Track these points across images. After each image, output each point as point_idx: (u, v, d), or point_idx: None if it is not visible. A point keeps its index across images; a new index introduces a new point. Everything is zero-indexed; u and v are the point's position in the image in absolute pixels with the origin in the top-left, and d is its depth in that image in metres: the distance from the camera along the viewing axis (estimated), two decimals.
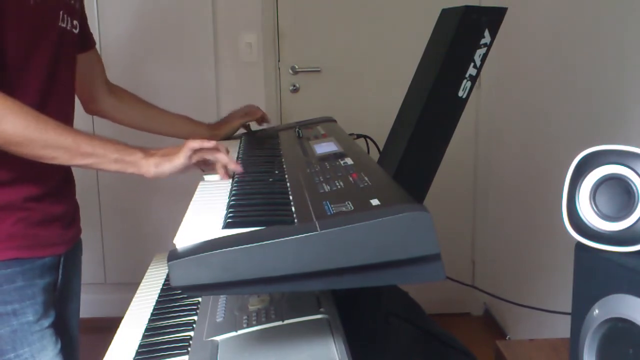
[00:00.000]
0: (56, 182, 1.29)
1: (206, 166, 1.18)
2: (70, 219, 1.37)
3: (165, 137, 1.61)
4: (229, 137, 1.63)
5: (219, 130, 1.62)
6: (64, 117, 1.29)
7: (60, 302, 1.34)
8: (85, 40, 1.43)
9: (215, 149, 1.15)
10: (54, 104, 1.24)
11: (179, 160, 1.12)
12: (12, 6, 1.13)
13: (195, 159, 1.14)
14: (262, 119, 1.67)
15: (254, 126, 1.69)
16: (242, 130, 1.69)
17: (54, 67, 1.24)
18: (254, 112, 1.66)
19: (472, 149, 3.07)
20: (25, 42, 1.17)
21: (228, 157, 1.17)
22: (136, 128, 1.60)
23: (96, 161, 1.12)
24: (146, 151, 1.14)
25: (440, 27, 1.36)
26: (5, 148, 1.08)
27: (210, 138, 1.60)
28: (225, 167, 1.16)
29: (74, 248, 1.39)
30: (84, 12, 1.41)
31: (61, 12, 1.25)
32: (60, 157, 1.11)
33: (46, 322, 1.25)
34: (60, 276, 1.32)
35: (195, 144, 1.13)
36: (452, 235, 3.05)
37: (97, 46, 1.54)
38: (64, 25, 1.26)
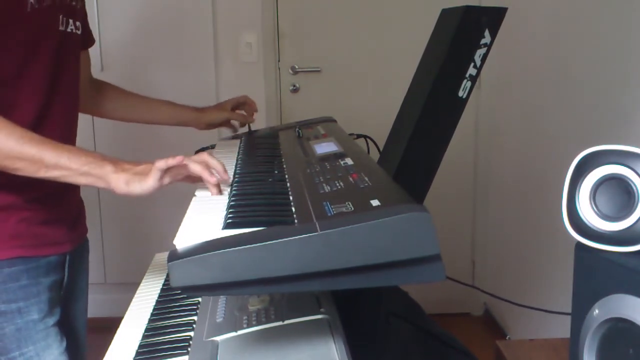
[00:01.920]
0: (61, 183, 1.29)
1: (192, 181, 1.08)
2: (75, 218, 1.37)
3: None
4: (214, 126, 1.63)
5: (203, 115, 1.61)
6: (68, 122, 1.30)
7: (66, 301, 1.34)
8: (85, 39, 1.43)
9: (185, 165, 1.03)
10: (57, 107, 1.24)
11: (148, 183, 1.02)
12: (8, 15, 1.12)
13: (167, 179, 1.03)
14: (246, 121, 1.66)
15: (253, 125, 1.69)
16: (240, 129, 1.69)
17: (56, 72, 1.24)
18: (246, 109, 1.65)
19: (472, 149, 3.07)
20: (22, 51, 1.16)
21: (207, 168, 1.04)
22: (121, 120, 1.59)
23: (62, 174, 1.05)
24: (118, 165, 1.05)
25: (440, 27, 1.36)
26: None
27: (194, 122, 1.62)
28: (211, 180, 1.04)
29: (80, 247, 1.40)
30: (85, 10, 1.41)
31: (61, 16, 1.24)
32: (23, 169, 1.05)
33: (51, 321, 1.26)
34: (66, 275, 1.33)
35: (161, 163, 1.02)
36: (452, 235, 3.05)
37: (97, 46, 1.54)
38: (63, 29, 1.26)
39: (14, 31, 1.14)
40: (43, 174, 1.05)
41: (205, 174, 1.03)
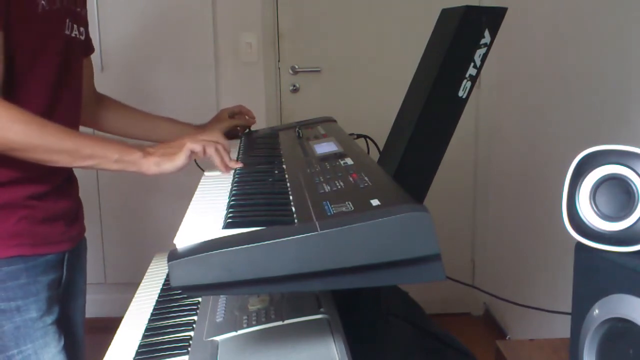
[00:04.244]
0: (59, 180, 1.30)
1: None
2: (74, 217, 1.38)
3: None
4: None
5: (206, 131, 1.61)
6: (71, 125, 1.30)
7: (64, 300, 1.35)
8: (87, 46, 1.44)
9: (216, 143, 1.19)
10: (61, 110, 1.26)
11: (180, 160, 1.15)
12: (20, 14, 1.15)
13: (195, 156, 1.17)
14: (247, 124, 1.66)
15: (253, 125, 1.69)
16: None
17: (61, 75, 1.25)
18: (243, 117, 1.65)
19: (472, 149, 3.07)
20: (31, 51, 1.18)
21: (227, 153, 1.20)
22: (121, 135, 1.59)
23: (97, 162, 1.15)
24: (145, 150, 1.17)
25: (440, 27, 1.36)
26: (10, 154, 1.12)
27: None
28: (224, 162, 1.19)
29: (78, 246, 1.40)
30: (87, 18, 1.42)
31: (67, 20, 1.27)
32: (62, 160, 1.14)
33: (49, 319, 1.26)
34: (64, 273, 1.33)
35: (196, 147, 1.16)
36: (452, 235, 3.05)
37: (97, 46, 1.54)
38: (68, 33, 1.28)
39: (24, 30, 1.16)
40: (79, 163, 1.15)
41: (221, 165, 1.18)
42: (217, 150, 1.18)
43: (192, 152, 1.16)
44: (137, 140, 1.59)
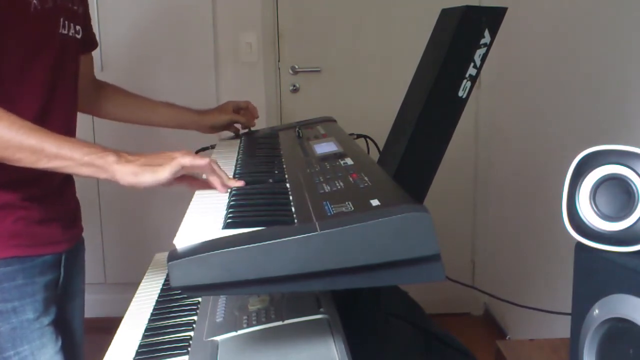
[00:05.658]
0: (56, 182, 1.30)
1: (192, 184, 1.05)
2: (71, 218, 1.38)
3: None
4: (217, 129, 1.62)
5: (205, 118, 1.61)
6: (67, 123, 1.31)
7: (62, 300, 1.35)
8: (87, 43, 1.44)
9: (209, 167, 1.02)
10: (56, 109, 1.25)
11: (164, 174, 0.97)
12: (12, 15, 1.13)
13: (181, 173, 1.00)
14: (248, 124, 1.66)
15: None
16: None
17: (56, 74, 1.24)
18: (247, 114, 1.65)
19: (472, 149, 3.07)
20: (24, 52, 1.17)
21: (222, 172, 1.05)
22: (120, 120, 1.59)
23: (64, 164, 1.03)
24: (122, 155, 1.01)
25: (440, 27, 1.36)
26: None
27: (195, 125, 1.60)
28: (221, 181, 1.04)
29: (76, 246, 1.40)
30: (88, 14, 1.42)
31: (62, 19, 1.25)
32: (24, 159, 1.03)
33: (46, 320, 1.26)
34: (62, 274, 1.33)
35: (186, 160, 0.98)
36: (452, 235, 3.05)
37: (98, 48, 1.54)
38: (64, 32, 1.27)
39: (17, 31, 1.15)
40: (44, 164, 1.03)
41: (218, 186, 1.03)
42: (213, 170, 1.03)
43: (183, 167, 0.98)
44: (139, 126, 1.60)
